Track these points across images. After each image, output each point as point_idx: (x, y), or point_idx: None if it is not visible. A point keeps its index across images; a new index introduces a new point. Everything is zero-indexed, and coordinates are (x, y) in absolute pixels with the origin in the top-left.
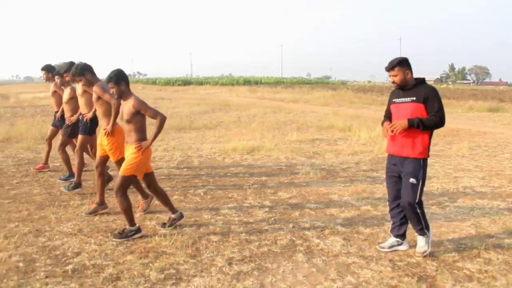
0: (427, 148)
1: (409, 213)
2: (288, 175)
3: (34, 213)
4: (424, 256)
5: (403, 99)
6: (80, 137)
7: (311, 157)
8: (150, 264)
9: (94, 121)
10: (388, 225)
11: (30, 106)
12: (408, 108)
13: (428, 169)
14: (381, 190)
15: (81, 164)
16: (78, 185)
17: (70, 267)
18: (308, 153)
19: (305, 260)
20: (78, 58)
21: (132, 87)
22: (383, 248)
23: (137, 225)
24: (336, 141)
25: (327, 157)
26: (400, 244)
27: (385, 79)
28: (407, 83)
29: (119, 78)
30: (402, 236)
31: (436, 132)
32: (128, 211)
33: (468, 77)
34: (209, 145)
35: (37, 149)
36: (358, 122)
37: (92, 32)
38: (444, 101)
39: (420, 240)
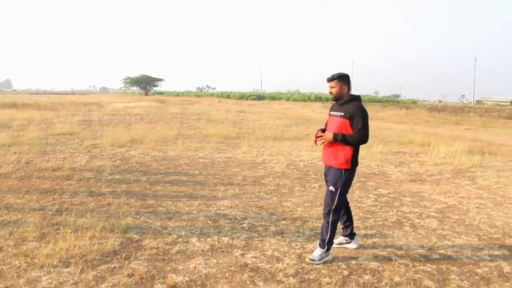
0: (349, 160)
1: (324, 220)
2: (382, 177)
3: (196, 190)
4: (313, 261)
5: (336, 112)
6: None
7: (398, 165)
8: (301, 226)
9: None
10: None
11: (128, 114)
12: (336, 122)
13: None
14: (464, 192)
15: None
16: None
17: (244, 225)
18: (395, 162)
19: (411, 231)
20: (153, 73)
21: (209, 99)
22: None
23: None
24: (417, 154)
25: (412, 166)
26: (349, 243)
27: (457, 99)
28: (342, 96)
29: None
30: (350, 236)
31: None
32: None
33: None
34: (306, 152)
35: (161, 149)
36: (436, 139)
37: (166, 49)
38: None
39: (316, 251)
